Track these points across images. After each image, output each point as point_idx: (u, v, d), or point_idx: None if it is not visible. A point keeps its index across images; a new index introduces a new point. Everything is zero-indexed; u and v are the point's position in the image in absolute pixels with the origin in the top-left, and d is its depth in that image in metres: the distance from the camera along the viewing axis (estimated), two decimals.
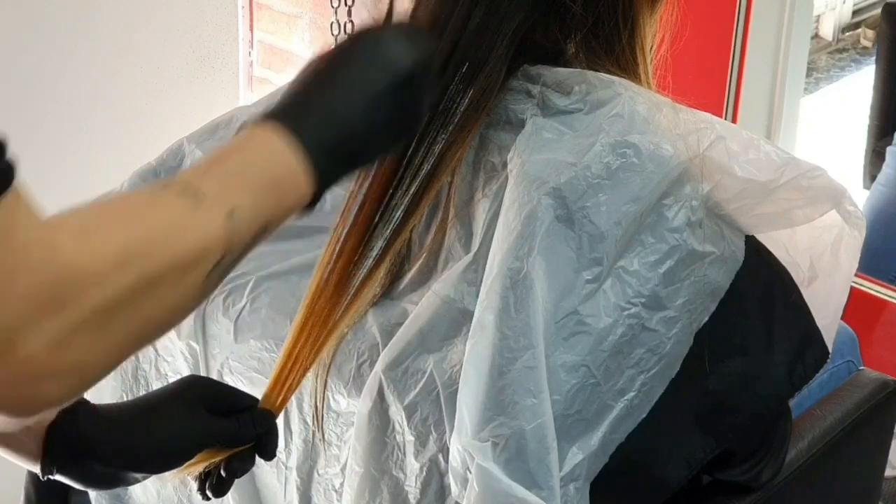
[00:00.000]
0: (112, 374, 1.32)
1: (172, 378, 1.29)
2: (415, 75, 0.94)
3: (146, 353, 1.31)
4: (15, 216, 0.71)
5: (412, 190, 1.13)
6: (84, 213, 0.78)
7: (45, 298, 0.70)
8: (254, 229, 0.83)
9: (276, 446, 1.06)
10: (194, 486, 1.05)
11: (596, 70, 1.17)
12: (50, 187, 2.41)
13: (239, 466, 1.04)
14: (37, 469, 1.00)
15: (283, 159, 0.85)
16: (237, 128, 1.35)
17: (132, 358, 1.31)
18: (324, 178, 0.87)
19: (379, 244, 1.13)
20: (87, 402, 1.01)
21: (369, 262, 1.14)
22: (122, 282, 0.73)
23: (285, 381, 1.07)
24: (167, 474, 1.03)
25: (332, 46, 0.96)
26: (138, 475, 1.04)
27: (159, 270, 0.76)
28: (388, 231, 1.13)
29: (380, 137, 0.94)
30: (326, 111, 0.89)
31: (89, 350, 0.73)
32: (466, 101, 1.12)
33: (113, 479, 1.03)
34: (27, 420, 0.81)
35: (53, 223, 0.74)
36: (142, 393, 1.32)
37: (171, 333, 1.27)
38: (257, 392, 1.21)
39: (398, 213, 1.13)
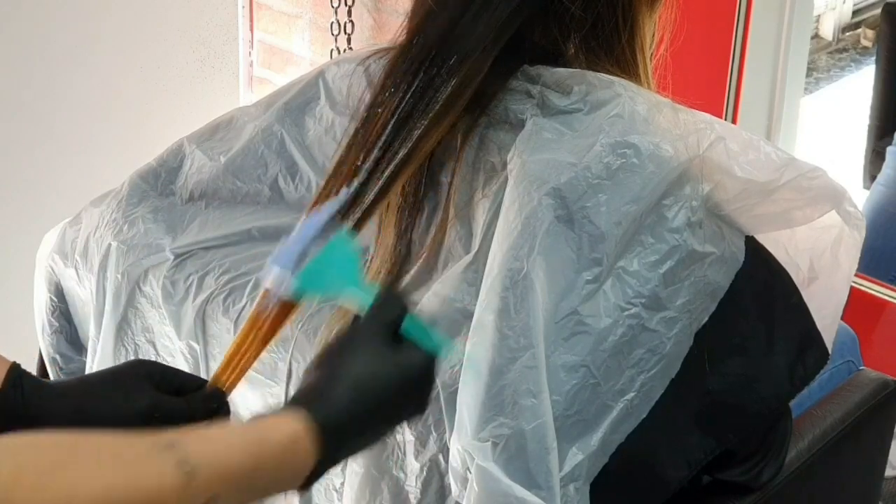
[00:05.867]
0: None
1: None
2: (430, 374, 0.95)
3: (146, 352, 1.31)
4: None
5: (387, 173, 1.13)
6: (49, 440, 0.73)
7: None
8: None
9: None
10: None
11: (595, 70, 1.17)
12: (50, 187, 2.42)
13: None
14: None
15: (294, 468, 0.85)
16: (238, 129, 1.35)
17: (132, 357, 1.32)
18: (320, 474, 0.88)
19: (349, 224, 1.12)
20: (31, 376, 1.01)
21: None
22: None
23: (238, 362, 1.07)
24: None
25: (355, 332, 0.96)
26: None
27: None
28: (359, 212, 1.12)
29: (383, 436, 0.96)
30: (350, 422, 0.90)
31: None
32: (448, 90, 1.13)
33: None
34: None
35: (4, 441, 0.69)
36: None
37: (172, 333, 1.28)
38: (257, 393, 1.21)
39: (370, 196, 1.13)
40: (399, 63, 1.17)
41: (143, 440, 0.78)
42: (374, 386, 0.91)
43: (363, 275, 1.00)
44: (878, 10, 3.26)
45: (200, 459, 0.78)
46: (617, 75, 1.18)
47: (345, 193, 1.11)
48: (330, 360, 0.94)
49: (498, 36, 1.14)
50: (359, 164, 1.13)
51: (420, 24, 1.17)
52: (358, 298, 0.97)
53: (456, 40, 1.14)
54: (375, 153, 1.13)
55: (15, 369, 1.00)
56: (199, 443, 0.80)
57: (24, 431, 0.73)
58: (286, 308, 1.03)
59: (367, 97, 1.19)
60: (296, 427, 0.86)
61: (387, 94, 1.15)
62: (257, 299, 1.11)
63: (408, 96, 1.14)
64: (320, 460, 0.87)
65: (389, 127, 1.14)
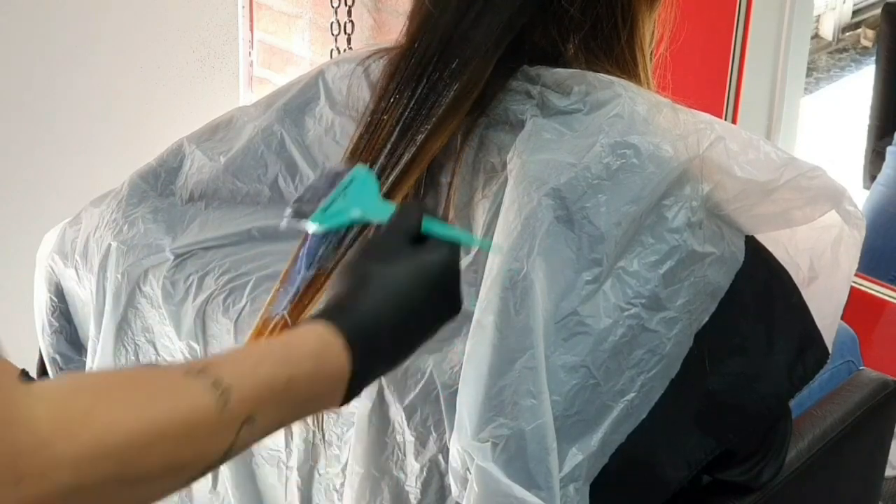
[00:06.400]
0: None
1: None
2: (453, 274, 0.95)
3: (146, 352, 1.31)
4: None
5: (392, 178, 1.13)
6: (78, 382, 0.73)
7: (1, 467, 0.66)
8: (265, 434, 0.81)
9: None
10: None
11: (595, 70, 1.17)
12: (50, 187, 2.42)
13: None
14: None
15: (328, 377, 0.84)
16: (238, 129, 1.35)
17: (132, 357, 1.32)
18: (361, 384, 0.87)
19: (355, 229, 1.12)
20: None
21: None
22: (99, 471, 0.69)
23: None
24: None
25: (378, 241, 0.95)
26: None
27: (148, 470, 0.72)
28: None
29: (421, 340, 0.94)
30: (380, 327, 0.88)
31: None
32: (451, 94, 1.13)
33: None
34: None
35: (35, 390, 0.69)
36: None
37: (172, 333, 1.27)
38: None
39: None
40: (400, 67, 1.17)
41: (174, 369, 0.78)
42: (398, 286, 0.90)
43: (384, 199, 1.00)
44: (878, 10, 3.26)
45: (233, 379, 0.77)
46: (616, 75, 1.18)
47: None
48: (353, 270, 0.93)
49: (500, 39, 1.14)
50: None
51: (420, 27, 1.17)
52: (381, 217, 0.97)
53: (457, 44, 1.14)
54: (381, 160, 1.14)
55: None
56: (230, 363, 0.80)
57: (59, 377, 0.73)
58: (296, 313, 1.03)
59: (371, 103, 1.19)
60: (323, 334, 0.85)
61: (391, 100, 1.16)
62: (263, 307, 1.11)
63: (411, 102, 1.14)
64: (356, 370, 0.85)
65: (395, 134, 1.14)
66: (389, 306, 0.89)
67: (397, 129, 1.14)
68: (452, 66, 1.13)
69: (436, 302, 0.93)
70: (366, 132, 1.17)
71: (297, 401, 0.82)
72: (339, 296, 0.91)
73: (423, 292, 0.91)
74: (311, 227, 0.99)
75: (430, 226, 0.95)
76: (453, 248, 0.95)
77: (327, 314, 0.87)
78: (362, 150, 1.16)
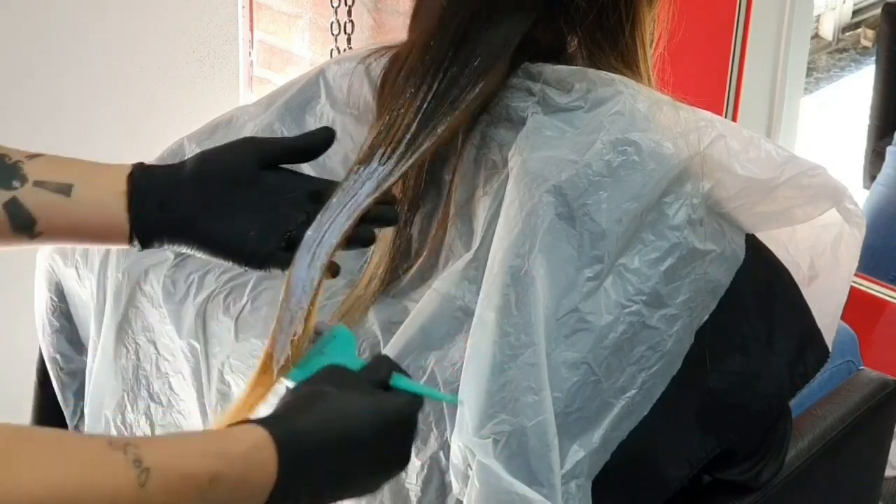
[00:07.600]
0: (113, 373, 1.33)
1: (173, 377, 1.29)
2: (409, 424, 0.94)
3: (147, 351, 1.31)
4: None
5: (409, 163, 1.12)
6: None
7: None
8: None
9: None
10: None
11: (598, 65, 1.18)
12: None
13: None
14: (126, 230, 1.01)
15: (255, 483, 0.82)
16: (238, 128, 1.35)
17: (132, 357, 1.32)
18: (283, 499, 0.84)
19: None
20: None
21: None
22: None
23: None
24: None
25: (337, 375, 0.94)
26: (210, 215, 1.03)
27: None
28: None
29: (360, 480, 0.92)
30: (316, 448, 0.86)
31: None
32: (476, 90, 1.13)
33: (193, 223, 1.04)
34: None
35: None
36: (143, 394, 1.32)
37: (173, 332, 1.27)
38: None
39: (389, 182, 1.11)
40: (412, 63, 1.16)
41: (98, 439, 0.76)
42: (349, 414, 0.88)
43: (361, 359, 1.00)
44: (878, 10, 3.27)
45: (156, 461, 0.75)
46: (620, 69, 1.18)
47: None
48: (308, 386, 0.92)
49: (515, 36, 1.14)
50: (381, 164, 1.12)
51: (434, 24, 1.16)
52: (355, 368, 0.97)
53: (473, 41, 1.13)
54: (401, 149, 1.12)
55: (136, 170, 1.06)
56: (157, 446, 0.78)
57: None
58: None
59: (386, 101, 1.18)
60: (258, 440, 0.83)
61: (407, 96, 1.14)
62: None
63: (429, 95, 1.13)
64: (281, 484, 0.83)
65: (415, 125, 1.12)
66: (334, 431, 0.87)
67: (417, 120, 1.13)
68: (475, 63, 1.13)
69: (384, 445, 0.91)
70: (383, 126, 1.14)
71: (215, 500, 0.80)
72: (287, 406, 0.89)
73: (373, 430, 0.90)
74: (288, 383, 0.98)
75: (399, 381, 0.96)
76: (416, 401, 0.95)
77: (268, 421, 0.86)
78: (381, 144, 1.13)
